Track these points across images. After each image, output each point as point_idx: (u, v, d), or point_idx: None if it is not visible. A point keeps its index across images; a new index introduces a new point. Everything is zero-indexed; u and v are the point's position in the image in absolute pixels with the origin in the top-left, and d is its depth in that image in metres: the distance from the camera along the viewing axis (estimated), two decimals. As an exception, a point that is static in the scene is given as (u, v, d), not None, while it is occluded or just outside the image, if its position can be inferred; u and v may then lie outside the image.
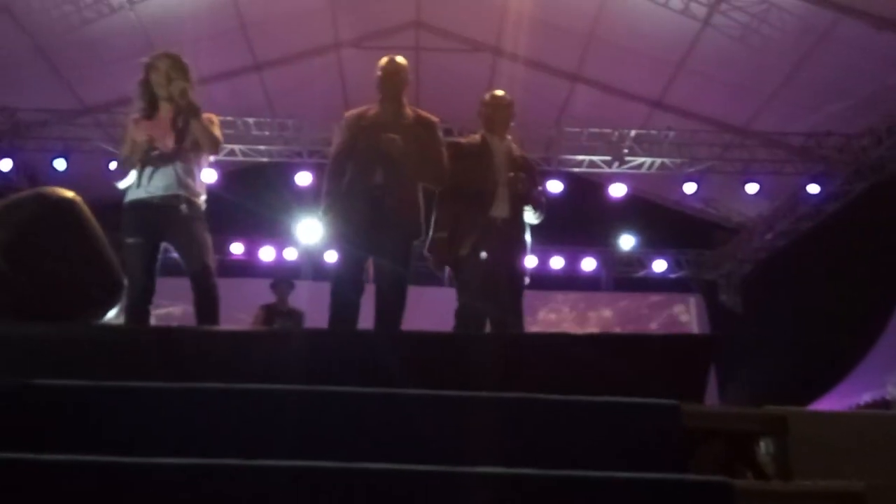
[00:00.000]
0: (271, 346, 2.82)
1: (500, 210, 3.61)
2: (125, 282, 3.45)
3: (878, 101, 9.13)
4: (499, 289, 3.63)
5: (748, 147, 10.31)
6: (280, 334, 3.95)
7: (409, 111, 3.71)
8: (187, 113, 3.59)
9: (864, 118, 9.54)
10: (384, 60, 3.72)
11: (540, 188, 3.91)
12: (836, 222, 10.72)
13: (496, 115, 3.76)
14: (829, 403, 10.03)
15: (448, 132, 5.12)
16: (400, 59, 3.74)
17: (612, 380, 2.54)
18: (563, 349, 2.82)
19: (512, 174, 3.60)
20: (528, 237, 3.77)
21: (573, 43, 9.96)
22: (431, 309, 4.55)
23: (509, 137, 3.84)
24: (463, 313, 3.56)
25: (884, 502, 2.15)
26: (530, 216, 3.80)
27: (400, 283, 3.51)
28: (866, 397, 9.80)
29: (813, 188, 10.43)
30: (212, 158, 3.87)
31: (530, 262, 3.65)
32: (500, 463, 2.01)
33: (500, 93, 3.90)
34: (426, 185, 3.65)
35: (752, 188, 10.43)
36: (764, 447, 2.79)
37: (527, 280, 3.78)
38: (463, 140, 4.02)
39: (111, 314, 3.39)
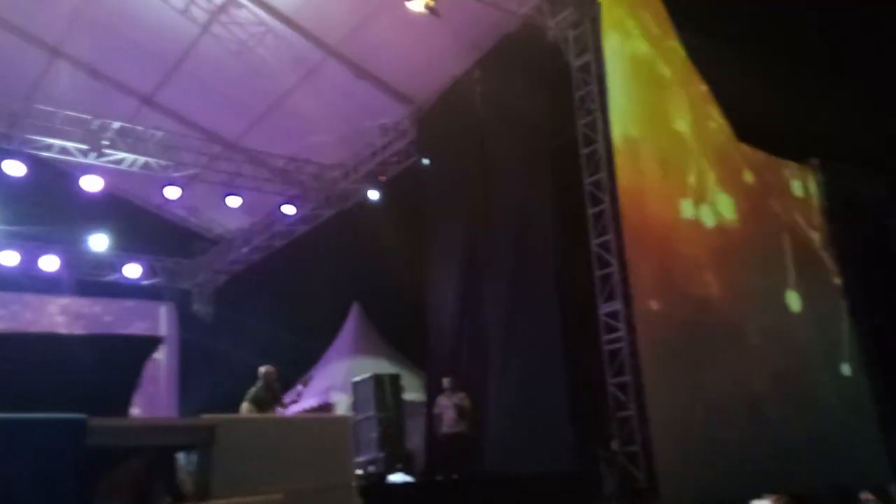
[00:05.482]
0: None
1: None
2: None
3: (351, 140, 9.81)
4: None
5: (235, 161, 10.02)
6: None
7: None
8: None
9: (339, 153, 10.16)
10: None
11: None
12: (306, 242, 11.22)
13: None
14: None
15: None
16: None
17: (26, 390, 1.97)
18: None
19: None
20: None
21: (57, 12, 8.18)
22: None
23: None
24: None
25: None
26: None
27: None
28: (314, 401, 10.28)
29: (289, 209, 10.74)
30: None
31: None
32: None
33: None
34: None
35: (234, 201, 10.20)
36: (187, 462, 2.34)
37: None
38: None
39: None
